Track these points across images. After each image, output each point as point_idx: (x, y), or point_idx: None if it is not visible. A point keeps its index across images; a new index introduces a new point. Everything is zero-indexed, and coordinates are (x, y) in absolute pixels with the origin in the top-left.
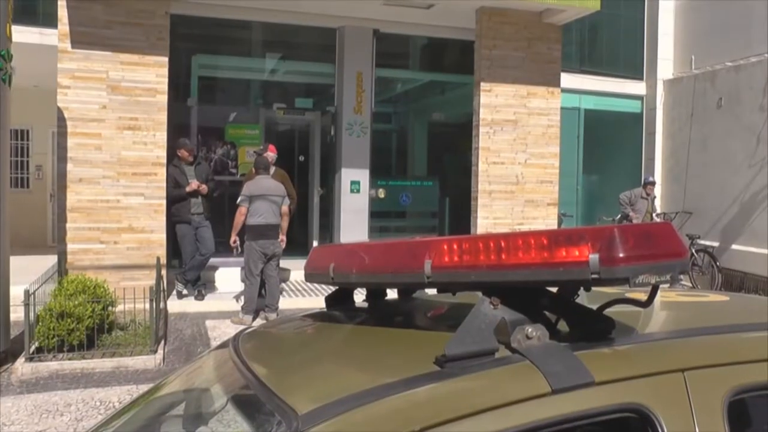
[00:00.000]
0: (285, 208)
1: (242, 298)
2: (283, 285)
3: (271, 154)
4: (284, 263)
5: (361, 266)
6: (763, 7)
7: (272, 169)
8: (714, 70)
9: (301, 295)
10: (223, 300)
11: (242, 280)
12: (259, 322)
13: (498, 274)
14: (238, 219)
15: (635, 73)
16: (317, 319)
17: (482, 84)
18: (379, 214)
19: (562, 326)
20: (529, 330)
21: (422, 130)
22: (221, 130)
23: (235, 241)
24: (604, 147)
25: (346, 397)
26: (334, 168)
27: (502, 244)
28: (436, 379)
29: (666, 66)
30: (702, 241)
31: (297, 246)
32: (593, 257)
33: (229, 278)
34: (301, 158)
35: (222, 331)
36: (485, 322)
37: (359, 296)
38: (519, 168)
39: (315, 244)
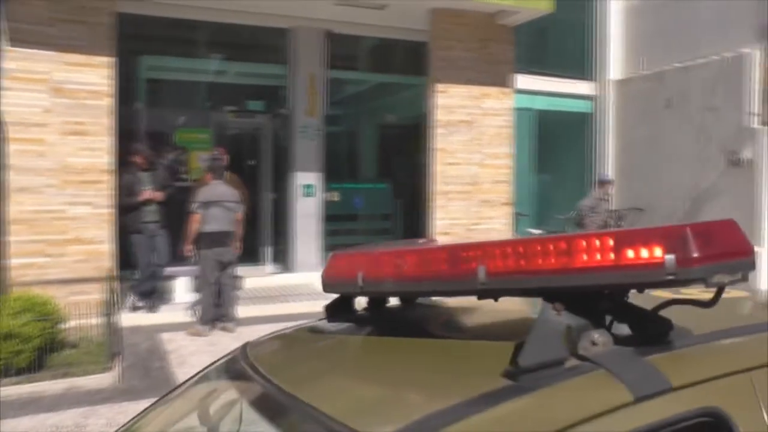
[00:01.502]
0: (239, 215)
1: (197, 308)
2: (237, 293)
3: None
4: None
5: (398, 274)
6: (709, 11)
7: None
8: (663, 71)
9: (257, 303)
10: (177, 311)
11: (196, 290)
12: (216, 332)
13: (564, 278)
14: (192, 226)
15: (586, 74)
16: (335, 332)
17: (437, 85)
18: (333, 217)
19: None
20: (595, 336)
21: (375, 132)
22: (171, 135)
23: (189, 250)
24: (557, 146)
25: (424, 418)
26: (286, 172)
27: (563, 246)
28: (515, 393)
29: (616, 67)
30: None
31: (248, 252)
32: (669, 258)
33: (182, 288)
34: (252, 162)
35: (178, 344)
36: (552, 329)
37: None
38: (474, 168)
39: (269, 250)
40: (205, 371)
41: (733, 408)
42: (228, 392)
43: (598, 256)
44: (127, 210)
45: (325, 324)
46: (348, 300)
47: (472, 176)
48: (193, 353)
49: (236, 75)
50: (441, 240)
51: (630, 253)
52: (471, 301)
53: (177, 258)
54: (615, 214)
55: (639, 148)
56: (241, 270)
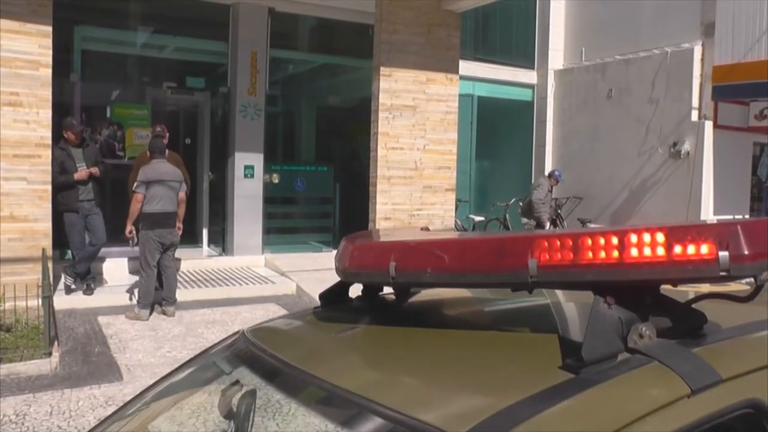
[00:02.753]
0: (182, 195)
1: (136, 291)
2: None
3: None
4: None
5: (440, 265)
6: (651, 4)
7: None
8: (604, 62)
9: (196, 286)
10: (115, 294)
11: (133, 272)
12: (156, 316)
13: (619, 272)
14: (134, 207)
15: (527, 63)
16: (348, 319)
17: (382, 69)
18: (273, 200)
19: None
20: (642, 329)
21: (317, 114)
22: (107, 110)
23: (131, 231)
24: (497, 134)
25: (498, 413)
26: (225, 152)
27: (615, 240)
28: (580, 387)
29: (557, 56)
30: (593, 225)
31: (186, 234)
32: (723, 254)
33: (119, 270)
34: (189, 141)
35: (118, 327)
36: (607, 322)
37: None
38: (418, 154)
39: (207, 232)
40: (198, 360)
41: None
42: (241, 379)
43: (650, 252)
44: (59, 188)
45: (341, 313)
46: (345, 289)
47: (416, 162)
48: (134, 338)
49: (176, 50)
50: (384, 226)
51: (682, 249)
52: (464, 292)
53: (114, 238)
54: (554, 202)
55: (579, 138)
56: (178, 252)
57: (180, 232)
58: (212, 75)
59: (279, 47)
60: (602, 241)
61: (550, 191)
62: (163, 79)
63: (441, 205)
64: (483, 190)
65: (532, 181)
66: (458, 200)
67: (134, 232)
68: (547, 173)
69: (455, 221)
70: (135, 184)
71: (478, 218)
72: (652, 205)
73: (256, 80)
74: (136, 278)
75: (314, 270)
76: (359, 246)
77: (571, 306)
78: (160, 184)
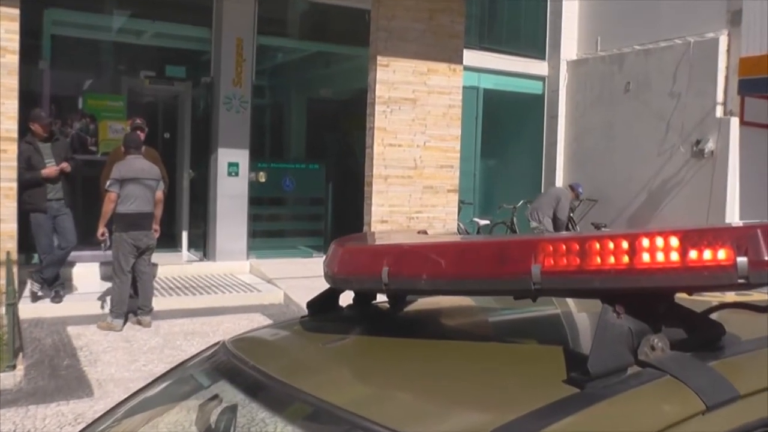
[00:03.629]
0: (160, 194)
1: (108, 299)
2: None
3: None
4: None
5: (436, 271)
6: None
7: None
8: (622, 52)
9: (175, 294)
10: (86, 302)
11: (106, 278)
12: (130, 326)
13: (629, 279)
14: (108, 207)
15: (537, 53)
16: (337, 329)
17: (379, 58)
18: (259, 200)
19: None
20: (655, 340)
21: (308, 107)
22: (78, 101)
23: (103, 234)
24: (504, 130)
25: (497, 431)
26: (208, 148)
27: (625, 244)
28: (586, 402)
29: (570, 46)
30: (608, 230)
31: (163, 237)
32: (741, 260)
33: (90, 276)
34: (168, 135)
35: (88, 339)
36: (615, 333)
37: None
38: (418, 151)
39: (186, 235)
40: (174, 373)
41: None
42: (221, 393)
43: (663, 257)
44: (26, 186)
45: (327, 323)
46: (334, 297)
47: (415, 159)
48: (106, 350)
49: (154, 36)
50: (380, 229)
51: (698, 254)
52: (464, 300)
53: (85, 241)
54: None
55: (593, 135)
56: (155, 257)
57: (157, 235)
58: (194, 63)
59: (267, 34)
60: (611, 245)
61: (572, 208)
62: (140, 68)
63: (443, 207)
64: (488, 192)
65: (542, 183)
66: (461, 202)
67: (107, 234)
68: (562, 183)
69: (458, 225)
70: (108, 182)
71: (482, 222)
72: (673, 208)
73: (242, 69)
74: (108, 285)
75: (303, 277)
76: (349, 249)
77: (577, 315)
78: (135, 183)
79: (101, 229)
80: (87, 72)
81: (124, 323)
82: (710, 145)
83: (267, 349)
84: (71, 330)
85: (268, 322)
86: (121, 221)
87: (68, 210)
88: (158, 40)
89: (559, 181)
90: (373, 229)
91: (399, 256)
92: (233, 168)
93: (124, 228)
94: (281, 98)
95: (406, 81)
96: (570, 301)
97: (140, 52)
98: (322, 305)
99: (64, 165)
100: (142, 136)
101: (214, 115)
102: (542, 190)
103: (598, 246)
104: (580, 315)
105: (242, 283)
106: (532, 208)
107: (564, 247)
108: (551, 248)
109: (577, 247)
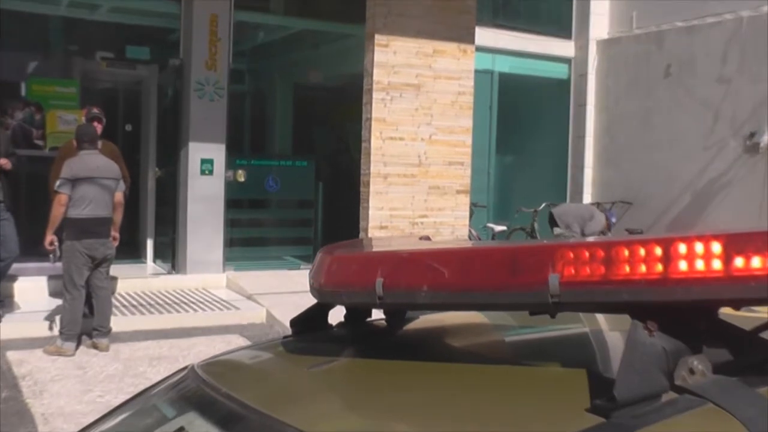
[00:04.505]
0: (119, 196)
1: (58, 319)
2: (112, 300)
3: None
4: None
5: (438, 282)
6: None
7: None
8: (660, 30)
9: (138, 312)
10: (30, 322)
11: (55, 295)
12: (84, 350)
13: (663, 291)
14: (57, 211)
15: (562, 31)
16: (325, 351)
17: (377, 37)
18: (237, 203)
19: None
20: (694, 362)
21: (295, 94)
22: (21, 86)
23: (52, 242)
24: (523, 121)
25: None
26: (177, 142)
27: (658, 251)
28: None
29: (600, 23)
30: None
31: (124, 247)
32: None
33: (36, 291)
34: (130, 127)
35: (33, 365)
36: (647, 354)
37: None
38: (422, 145)
39: (152, 244)
40: (135, 403)
41: None
42: (189, 426)
43: (703, 265)
44: None
45: (313, 344)
46: (323, 314)
47: (419, 155)
48: (54, 378)
49: (113, 11)
50: (376, 235)
51: (744, 262)
52: (472, 316)
53: (29, 251)
54: (595, 207)
55: (628, 126)
56: (114, 269)
57: (116, 244)
58: (160, 43)
59: (246, 9)
60: (642, 251)
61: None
62: (96, 48)
63: (451, 210)
64: (505, 193)
65: (568, 183)
66: (473, 205)
67: (56, 243)
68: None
69: (469, 231)
70: (58, 182)
71: (498, 228)
72: (721, 212)
73: (217, 50)
74: (58, 302)
75: (290, 292)
76: (339, 258)
77: (602, 334)
78: (90, 183)
79: (49, 237)
80: (32, 52)
81: (77, 347)
82: (765, 139)
83: (243, 374)
84: (12, 356)
85: (248, 344)
86: (73, 228)
87: (9, 215)
88: (117, 16)
89: (588, 180)
90: (370, 236)
91: (395, 265)
92: (207, 165)
93: (76, 236)
94: (263, 84)
95: (409, 64)
96: (595, 316)
97: (96, 29)
98: (309, 323)
99: (4, 161)
100: (98, 128)
101: (184, 104)
102: (568, 190)
103: (626, 252)
104: (606, 333)
105: (218, 299)
106: (559, 212)
107: (587, 253)
108: (572, 255)
109: (603, 253)
